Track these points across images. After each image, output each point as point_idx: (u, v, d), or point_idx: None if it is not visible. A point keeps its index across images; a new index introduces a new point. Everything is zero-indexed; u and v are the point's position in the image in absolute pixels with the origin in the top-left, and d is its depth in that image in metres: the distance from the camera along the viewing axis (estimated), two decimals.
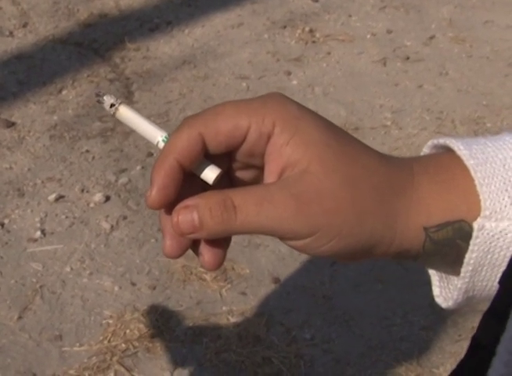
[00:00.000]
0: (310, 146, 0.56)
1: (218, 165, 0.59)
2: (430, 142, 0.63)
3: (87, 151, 3.27)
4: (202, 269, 2.70)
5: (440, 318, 2.57)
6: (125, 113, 0.61)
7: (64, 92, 3.64)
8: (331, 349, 2.48)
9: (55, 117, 3.47)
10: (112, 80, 3.75)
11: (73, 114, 3.50)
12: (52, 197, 3.00)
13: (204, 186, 0.60)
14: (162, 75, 3.82)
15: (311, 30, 4.23)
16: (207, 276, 2.69)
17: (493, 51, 4.10)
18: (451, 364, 2.45)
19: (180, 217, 0.57)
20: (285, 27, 4.27)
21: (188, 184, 0.59)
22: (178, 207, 0.58)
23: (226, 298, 2.63)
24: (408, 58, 4.02)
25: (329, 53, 4.05)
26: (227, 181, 0.62)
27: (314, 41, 4.14)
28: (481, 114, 3.61)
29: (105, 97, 0.61)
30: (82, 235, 2.86)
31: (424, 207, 0.58)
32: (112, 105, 0.61)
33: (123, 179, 3.11)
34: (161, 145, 0.60)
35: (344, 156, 0.57)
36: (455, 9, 4.48)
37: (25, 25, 4.13)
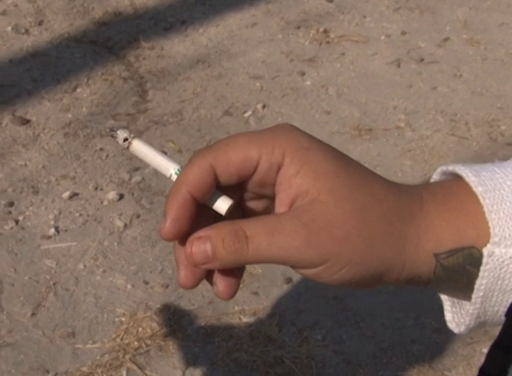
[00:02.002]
0: (319, 175, 0.57)
1: (230, 196, 0.60)
2: (439, 169, 0.64)
3: (101, 149, 3.28)
4: None
5: None
6: (138, 147, 0.63)
7: (78, 90, 3.66)
8: (342, 350, 2.49)
9: (69, 115, 3.48)
10: (126, 78, 3.76)
11: (87, 112, 3.51)
12: (66, 194, 3.02)
13: (217, 217, 0.61)
14: (176, 74, 3.83)
15: (325, 31, 4.23)
16: None
17: (508, 53, 4.09)
18: (463, 367, 2.45)
19: (193, 248, 0.58)
20: (299, 27, 4.27)
21: (201, 215, 0.60)
22: (191, 238, 0.59)
23: (238, 298, 2.63)
24: (422, 59, 4.02)
25: (343, 54, 4.05)
26: (239, 211, 0.63)
27: (328, 42, 4.14)
28: (496, 117, 3.60)
29: (118, 131, 0.63)
30: (96, 233, 2.87)
31: (434, 233, 0.58)
32: (125, 139, 0.63)
33: (136, 178, 3.12)
34: (174, 177, 0.61)
35: (353, 185, 0.58)
36: (470, 11, 4.47)
37: (40, 23, 4.15)
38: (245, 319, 2.56)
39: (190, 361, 2.42)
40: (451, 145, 3.42)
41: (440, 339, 2.53)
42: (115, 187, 3.07)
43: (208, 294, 2.64)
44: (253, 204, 0.63)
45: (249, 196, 0.62)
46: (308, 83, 3.81)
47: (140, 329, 2.50)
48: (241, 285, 2.45)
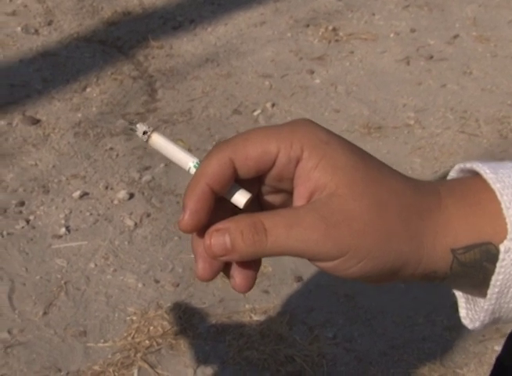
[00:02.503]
0: (338, 169, 0.58)
1: (248, 190, 0.61)
2: (456, 167, 0.64)
3: (111, 148, 3.29)
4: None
5: None
6: (157, 141, 0.63)
7: (88, 90, 3.67)
8: (353, 348, 2.49)
9: (79, 115, 3.49)
10: (135, 78, 3.77)
11: (97, 112, 3.52)
12: (76, 193, 3.03)
13: (235, 210, 0.61)
14: (185, 73, 3.84)
15: (334, 29, 4.23)
16: None
17: None
18: (474, 364, 2.45)
19: (212, 240, 0.59)
20: (308, 25, 4.27)
21: (219, 208, 0.61)
22: (210, 230, 0.59)
23: (249, 296, 2.64)
24: (431, 57, 4.01)
25: (352, 52, 4.05)
26: (257, 205, 0.63)
27: (337, 40, 4.14)
28: (506, 114, 3.59)
29: (138, 125, 0.64)
30: (106, 232, 2.88)
31: (451, 229, 0.59)
32: (145, 132, 0.63)
33: (146, 177, 3.13)
34: (193, 171, 0.62)
35: (371, 179, 0.58)
36: (479, 8, 4.46)
37: (50, 23, 4.16)
38: (256, 318, 2.56)
39: (201, 359, 2.42)
40: (461, 142, 3.41)
41: (451, 337, 2.52)
42: (125, 186, 3.08)
43: (219, 292, 2.65)
44: (270, 198, 0.63)
45: (267, 190, 0.62)
46: (317, 81, 3.81)
47: (151, 328, 2.51)
48: None
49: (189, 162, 0.62)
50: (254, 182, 0.61)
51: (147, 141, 0.63)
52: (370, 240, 0.57)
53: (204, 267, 0.61)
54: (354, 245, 0.57)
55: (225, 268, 0.62)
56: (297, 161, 0.58)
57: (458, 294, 0.65)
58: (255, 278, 0.62)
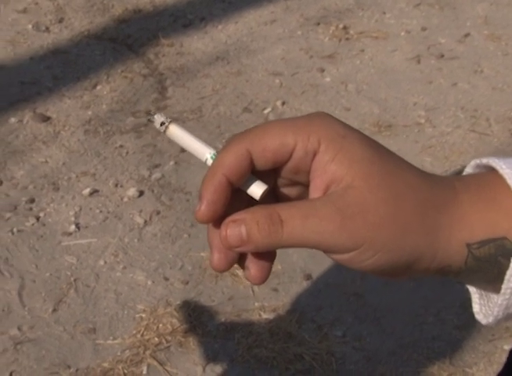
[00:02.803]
0: (354, 162, 0.58)
1: (265, 182, 0.61)
2: (472, 162, 0.65)
3: (121, 146, 3.29)
4: (235, 265, 2.71)
5: (473, 317, 2.54)
6: (175, 131, 0.63)
7: (99, 88, 3.67)
8: (362, 347, 2.48)
9: (89, 112, 3.50)
10: (146, 75, 3.77)
11: (107, 109, 3.53)
12: (86, 191, 3.03)
13: (251, 202, 0.62)
14: (195, 71, 3.84)
15: (344, 27, 4.22)
16: (240, 272, 2.70)
17: None
18: (484, 364, 2.44)
19: (228, 230, 0.59)
20: (318, 23, 4.26)
21: (235, 199, 0.61)
22: (226, 221, 0.59)
23: (258, 294, 2.64)
24: (442, 55, 4.00)
25: (362, 50, 4.04)
26: (272, 197, 0.63)
27: (347, 38, 4.13)
28: None
29: (155, 116, 0.64)
30: (116, 229, 2.88)
31: (467, 224, 0.59)
32: (162, 123, 0.63)
33: (156, 174, 3.13)
34: (209, 162, 0.62)
35: (388, 172, 0.58)
36: (490, 7, 4.45)
37: (61, 20, 4.17)
38: (265, 316, 2.56)
39: (210, 357, 2.42)
40: (471, 141, 3.40)
41: (461, 336, 2.52)
42: (135, 184, 3.09)
43: (228, 290, 2.65)
44: (286, 191, 0.63)
45: (283, 182, 0.62)
46: (328, 79, 3.81)
47: (160, 325, 2.51)
48: None
49: (206, 153, 0.62)
50: (270, 175, 0.61)
51: (165, 132, 0.63)
52: (385, 233, 0.57)
53: (220, 258, 0.61)
54: (369, 238, 0.57)
55: (240, 259, 0.62)
56: (314, 154, 0.59)
57: (471, 289, 0.65)
58: (270, 270, 0.62)
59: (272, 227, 0.58)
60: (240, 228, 0.58)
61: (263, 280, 0.62)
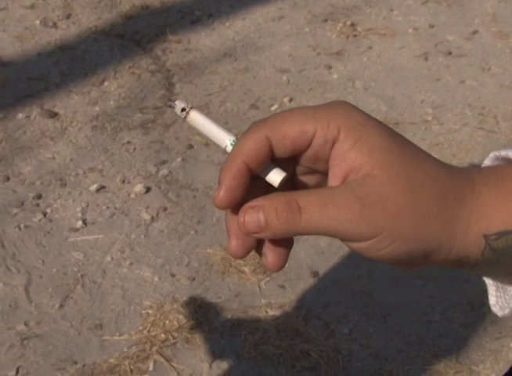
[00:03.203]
0: (374, 151, 0.58)
1: (283, 169, 0.61)
2: (491, 154, 0.65)
3: (128, 142, 3.30)
4: (241, 262, 2.71)
5: (479, 315, 2.56)
6: (195, 118, 0.63)
7: (106, 84, 3.67)
8: (369, 344, 2.48)
9: (97, 108, 3.50)
10: (153, 72, 3.77)
11: (114, 105, 3.53)
12: (93, 187, 3.03)
13: (269, 189, 0.62)
14: (203, 67, 3.83)
15: (352, 24, 4.21)
16: (246, 269, 2.70)
17: None
18: (490, 362, 2.44)
19: (246, 217, 0.59)
20: (326, 20, 4.26)
21: (253, 186, 0.61)
22: (244, 207, 0.60)
23: (265, 291, 2.64)
24: (450, 53, 3.99)
25: (370, 47, 4.03)
26: (290, 185, 0.63)
27: (355, 35, 4.13)
28: None
29: (176, 102, 0.64)
30: (123, 225, 2.88)
31: (484, 215, 0.59)
32: (183, 109, 0.63)
33: (163, 171, 3.13)
34: (229, 148, 0.62)
35: (407, 162, 0.58)
36: (498, 4, 4.44)
37: (68, 16, 4.17)
38: (271, 313, 2.56)
39: (217, 354, 2.42)
40: (479, 139, 3.40)
41: (467, 334, 2.51)
42: (142, 180, 3.09)
43: (235, 287, 2.65)
44: (305, 179, 0.63)
45: (301, 170, 0.63)
46: (335, 76, 3.80)
47: (167, 321, 2.52)
48: (267, 278, 2.45)
49: (225, 140, 0.62)
50: (289, 162, 0.62)
51: (185, 118, 0.63)
52: (404, 222, 0.57)
53: (237, 244, 0.61)
54: (387, 226, 0.57)
55: (258, 246, 0.62)
56: (333, 142, 0.59)
57: (488, 281, 0.65)
58: (287, 257, 0.62)
59: (290, 214, 0.58)
60: (258, 214, 0.58)
61: (280, 266, 0.62)
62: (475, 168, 0.62)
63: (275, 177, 0.61)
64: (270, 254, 0.62)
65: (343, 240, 0.59)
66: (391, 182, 0.57)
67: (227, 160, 0.60)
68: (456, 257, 0.60)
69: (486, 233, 0.58)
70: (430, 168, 0.59)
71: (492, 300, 0.65)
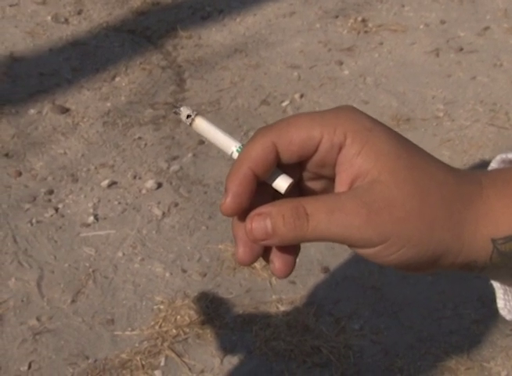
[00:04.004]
0: (380, 156, 0.58)
1: (290, 175, 0.61)
2: (498, 157, 0.64)
3: (139, 138, 3.30)
4: None
5: (491, 312, 2.55)
6: (201, 124, 0.63)
7: (117, 79, 3.68)
8: (380, 340, 2.48)
9: (108, 104, 3.51)
10: (164, 67, 3.78)
11: (125, 101, 3.54)
12: (104, 182, 3.04)
13: (275, 196, 0.62)
14: (213, 63, 3.84)
15: (363, 20, 4.21)
16: (257, 265, 2.71)
17: None
18: (502, 358, 2.44)
19: (254, 224, 0.59)
20: (337, 16, 4.25)
21: (259, 193, 0.61)
22: (251, 214, 0.59)
23: (276, 287, 2.64)
24: (461, 49, 3.98)
25: (381, 43, 4.03)
26: (297, 191, 0.63)
27: (366, 31, 4.12)
28: None
29: (182, 108, 0.64)
30: (134, 221, 2.89)
31: (492, 219, 0.58)
32: (188, 116, 0.63)
33: (174, 167, 3.14)
34: (235, 155, 0.62)
35: (414, 167, 0.58)
36: (510, 0, 4.42)
37: (80, 12, 4.18)
38: (282, 309, 2.56)
39: (228, 349, 2.43)
40: (490, 135, 3.39)
41: (479, 330, 2.51)
42: (153, 176, 3.09)
43: (246, 282, 2.65)
44: (311, 184, 0.63)
45: (308, 176, 0.62)
46: (346, 72, 3.80)
47: (178, 317, 2.52)
48: None
49: (231, 146, 0.62)
50: (295, 168, 0.61)
51: (190, 124, 0.63)
52: (411, 228, 0.57)
53: (245, 251, 0.61)
54: (395, 232, 0.57)
55: (265, 252, 0.62)
56: (340, 148, 0.58)
57: (496, 284, 0.65)
58: (294, 263, 0.62)
59: (297, 221, 0.58)
60: (266, 221, 0.58)
61: (287, 273, 0.62)
62: (482, 171, 0.62)
63: (282, 183, 0.60)
64: (277, 261, 0.61)
65: (351, 246, 0.59)
66: (398, 188, 0.57)
67: (233, 166, 0.60)
68: (464, 261, 0.59)
69: (494, 237, 0.58)
70: (437, 172, 0.59)
71: (500, 303, 0.65)
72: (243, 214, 0.60)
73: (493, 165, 0.65)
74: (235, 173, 0.59)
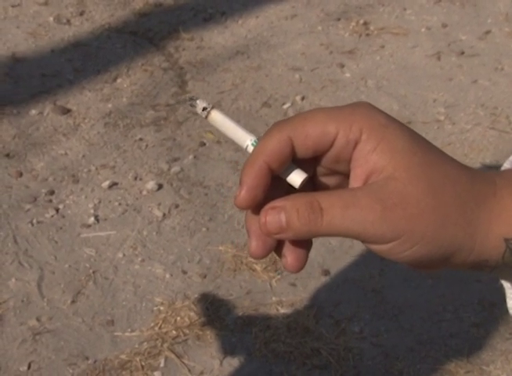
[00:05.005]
0: (396, 153, 0.58)
1: (304, 170, 0.61)
2: (511, 158, 0.64)
3: (140, 139, 3.30)
4: (252, 259, 2.72)
5: (491, 315, 2.55)
6: (216, 117, 0.63)
7: (119, 81, 3.68)
8: (380, 343, 2.48)
9: (109, 105, 3.51)
10: (166, 69, 3.78)
11: (127, 102, 3.54)
12: (105, 183, 3.04)
13: (289, 190, 0.61)
14: (215, 65, 3.84)
15: (365, 23, 4.21)
16: (258, 267, 2.71)
17: None
18: (501, 362, 2.44)
19: (268, 217, 0.59)
20: (339, 19, 4.26)
21: (273, 187, 0.61)
22: (266, 207, 0.59)
23: (276, 289, 2.64)
24: (463, 52, 3.98)
25: (382, 46, 4.03)
26: (311, 186, 0.63)
27: (368, 34, 4.12)
28: None
29: (198, 101, 0.63)
30: (135, 222, 2.89)
31: (506, 219, 0.58)
32: (204, 108, 0.63)
33: (175, 168, 3.14)
34: (250, 149, 0.62)
35: (429, 164, 0.58)
36: None
37: (82, 13, 4.18)
38: (282, 311, 2.56)
39: (228, 351, 2.43)
40: (491, 139, 3.39)
41: (478, 334, 2.51)
42: (154, 177, 3.10)
43: (246, 284, 2.65)
44: (325, 180, 0.63)
45: (322, 171, 0.62)
46: (348, 75, 3.80)
47: (178, 318, 2.52)
48: (279, 276, 2.45)
49: (246, 140, 0.62)
50: (310, 163, 0.61)
51: (206, 117, 0.63)
52: (425, 225, 0.57)
53: (258, 245, 0.61)
54: (409, 229, 0.57)
55: (277, 247, 0.62)
56: (356, 143, 0.59)
57: (506, 284, 0.65)
58: (307, 258, 0.62)
59: (311, 215, 0.57)
60: (280, 215, 0.58)
61: (300, 268, 0.62)
62: (496, 171, 0.62)
63: (296, 178, 0.60)
64: (290, 255, 0.61)
65: (364, 242, 0.59)
66: (412, 185, 0.57)
67: (248, 159, 0.60)
68: (476, 260, 0.59)
69: (507, 237, 0.58)
70: (452, 170, 0.59)
71: (510, 303, 0.64)
72: (256, 207, 0.60)
73: (506, 166, 0.65)
74: (250, 166, 0.59)
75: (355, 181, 0.60)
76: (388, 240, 0.58)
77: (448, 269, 0.61)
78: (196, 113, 3.45)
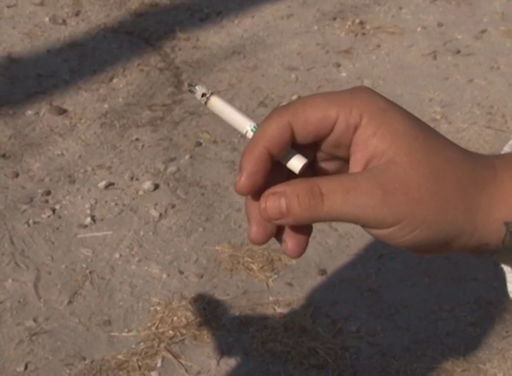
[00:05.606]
0: (396, 137, 0.57)
1: (304, 155, 0.61)
2: (511, 142, 0.64)
3: (137, 139, 3.30)
4: (249, 259, 2.72)
5: (487, 314, 2.56)
6: (216, 103, 0.63)
7: (115, 81, 3.68)
8: (376, 342, 2.48)
9: (105, 105, 3.51)
10: (162, 69, 3.78)
11: (123, 103, 3.54)
12: (102, 184, 3.04)
13: (289, 176, 0.61)
14: (211, 65, 3.84)
15: (361, 22, 4.21)
16: (254, 266, 2.71)
17: None
18: (498, 360, 2.44)
19: (268, 203, 0.59)
20: (335, 18, 4.26)
21: (273, 173, 0.61)
22: (266, 193, 0.59)
23: (273, 289, 2.64)
24: (459, 51, 3.99)
25: (378, 46, 4.03)
26: (311, 172, 0.63)
27: (364, 34, 4.13)
28: None
29: (197, 87, 0.63)
30: (131, 222, 2.89)
31: (506, 203, 0.58)
32: (203, 94, 0.63)
33: (172, 168, 3.14)
34: (250, 134, 0.62)
35: (430, 148, 0.58)
36: (507, 2, 4.43)
37: (77, 13, 4.18)
38: (279, 310, 2.57)
39: (225, 351, 2.43)
40: (487, 138, 3.39)
41: (475, 332, 2.52)
42: (150, 177, 3.10)
43: (243, 284, 2.65)
44: (325, 165, 0.63)
45: (322, 156, 0.62)
46: (344, 75, 3.80)
47: (175, 318, 2.52)
48: (275, 276, 2.45)
49: (246, 125, 0.62)
50: (309, 149, 0.61)
51: (205, 103, 0.63)
52: (426, 209, 0.57)
53: (258, 230, 0.61)
54: (409, 213, 0.57)
55: (277, 232, 0.62)
56: (356, 128, 0.58)
57: (506, 268, 0.65)
58: (307, 243, 0.62)
59: (312, 200, 0.58)
60: (280, 200, 0.58)
61: (300, 253, 0.62)
62: (496, 155, 0.62)
63: (296, 163, 0.60)
64: (290, 240, 0.61)
65: (364, 226, 0.59)
66: (413, 169, 0.57)
67: (248, 145, 0.60)
68: (476, 244, 0.59)
69: (507, 221, 0.58)
70: (452, 154, 0.59)
71: (510, 287, 0.65)
72: (257, 193, 0.60)
73: (506, 149, 0.65)
74: (250, 152, 0.59)
75: (355, 166, 0.60)
76: (389, 225, 0.58)
77: (448, 253, 0.61)
78: (193, 114, 3.43)
